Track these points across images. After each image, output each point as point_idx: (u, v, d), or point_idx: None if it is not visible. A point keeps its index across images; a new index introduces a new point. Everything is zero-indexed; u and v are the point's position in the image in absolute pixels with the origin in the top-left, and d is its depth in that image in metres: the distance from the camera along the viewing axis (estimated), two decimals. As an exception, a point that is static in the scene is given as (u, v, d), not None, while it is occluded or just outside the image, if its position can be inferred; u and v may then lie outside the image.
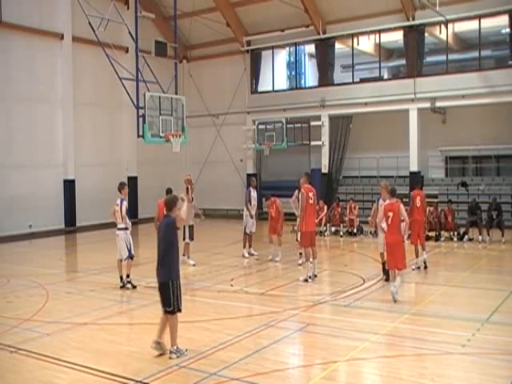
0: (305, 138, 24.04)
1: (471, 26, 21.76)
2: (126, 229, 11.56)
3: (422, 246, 13.32)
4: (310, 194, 12.02)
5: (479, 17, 20.82)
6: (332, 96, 23.99)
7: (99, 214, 23.15)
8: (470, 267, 13.57)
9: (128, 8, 24.19)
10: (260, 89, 26.89)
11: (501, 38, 23.21)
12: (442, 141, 22.93)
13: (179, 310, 7.48)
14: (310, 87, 26.33)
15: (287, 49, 27.50)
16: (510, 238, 17.26)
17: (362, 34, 23.71)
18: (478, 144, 22.11)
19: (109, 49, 18.42)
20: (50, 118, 22.47)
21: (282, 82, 27.47)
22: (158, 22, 24.98)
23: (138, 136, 16.74)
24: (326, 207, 19.56)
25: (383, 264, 11.71)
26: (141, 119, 16.44)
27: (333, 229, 19.85)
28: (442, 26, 21.94)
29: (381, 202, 11.48)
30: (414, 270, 13.06)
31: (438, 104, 21.80)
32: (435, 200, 20.20)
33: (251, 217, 15.20)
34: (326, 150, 24.48)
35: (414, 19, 22.00)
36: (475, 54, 21.65)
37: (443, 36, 22.32)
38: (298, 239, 12.87)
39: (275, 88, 26.43)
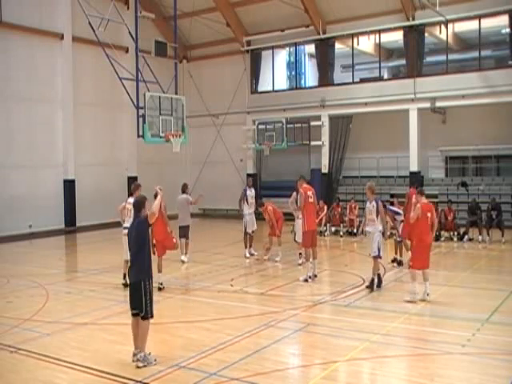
0: (305, 138, 24.04)
1: (471, 26, 21.77)
2: None
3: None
4: (309, 193, 12.04)
5: (479, 17, 20.82)
6: (332, 96, 23.99)
7: (99, 214, 23.25)
8: (470, 267, 13.58)
9: (128, 8, 24.19)
10: (260, 89, 26.89)
11: (501, 38, 23.21)
12: (441, 141, 22.93)
13: (151, 316, 7.22)
14: (310, 87, 26.33)
15: (287, 49, 27.50)
16: (510, 237, 17.25)
17: (362, 33, 23.71)
18: (478, 144, 22.11)
19: (109, 49, 18.42)
20: (50, 118, 22.47)
21: (281, 82, 27.47)
22: (158, 22, 24.97)
23: (138, 136, 16.75)
24: (325, 207, 19.56)
25: (378, 275, 11.22)
26: (141, 119, 16.44)
27: (333, 229, 19.85)
28: (442, 26, 21.95)
29: (368, 204, 11.29)
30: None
31: (438, 104, 21.80)
32: (435, 200, 20.18)
33: (241, 210, 15.24)
34: (326, 150, 24.48)
35: (413, 19, 22.00)
36: (475, 54, 21.65)
37: (443, 36, 22.32)
38: (296, 239, 12.87)
39: (275, 88, 26.43)
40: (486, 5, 20.33)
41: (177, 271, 13.38)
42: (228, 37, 26.51)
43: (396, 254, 13.74)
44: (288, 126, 23.77)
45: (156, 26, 26.02)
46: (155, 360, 7.15)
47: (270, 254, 14.67)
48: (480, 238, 17.33)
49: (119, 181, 25.02)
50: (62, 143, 22.75)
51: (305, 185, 12.24)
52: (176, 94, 18.08)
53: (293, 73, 27.67)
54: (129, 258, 7.69)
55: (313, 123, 24.23)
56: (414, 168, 22.36)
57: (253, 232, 15.37)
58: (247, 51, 26.70)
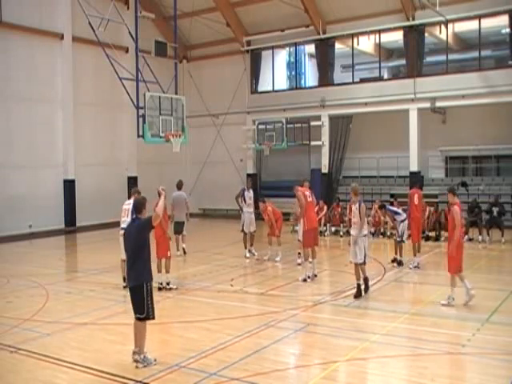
0: (305, 138, 24.03)
1: (471, 26, 21.76)
2: None
3: (418, 245, 13.36)
4: (307, 193, 12.11)
5: (479, 17, 20.81)
6: (332, 96, 23.99)
7: (99, 214, 23.25)
8: (470, 267, 13.54)
9: (128, 8, 24.18)
10: (260, 89, 26.89)
11: (501, 38, 23.20)
12: (442, 141, 22.92)
13: (153, 317, 7.17)
14: (310, 87, 26.32)
15: (287, 49, 27.49)
16: (510, 237, 17.25)
17: (362, 33, 23.70)
18: (478, 144, 22.10)
19: (109, 49, 18.42)
20: (50, 118, 22.46)
21: (281, 82, 27.46)
22: (158, 22, 24.97)
23: (138, 136, 16.75)
24: (325, 207, 19.56)
25: (365, 279, 10.69)
26: (141, 119, 16.44)
27: (333, 229, 19.86)
28: (442, 26, 21.94)
29: (353, 206, 10.76)
30: (411, 268, 13.08)
31: (438, 104, 21.79)
32: (435, 200, 20.19)
33: (241, 209, 15.27)
34: (326, 150, 24.47)
35: (414, 19, 22.00)
36: (475, 54, 21.64)
37: (443, 36, 22.31)
38: (300, 239, 12.84)
39: (275, 88, 26.43)
40: (485, 5, 20.33)
41: (177, 271, 13.36)
42: (228, 37, 26.51)
43: (396, 254, 13.73)
44: (288, 125, 23.76)
45: (156, 26, 26.02)
46: (155, 360, 7.14)
47: (270, 254, 14.67)
48: (480, 238, 17.33)
49: (119, 181, 25.02)
50: (62, 143, 22.75)
51: (301, 187, 12.35)
52: (176, 93, 18.08)
53: (293, 73, 27.66)
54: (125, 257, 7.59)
55: (313, 123, 24.22)
56: (413, 168, 22.36)
57: (254, 232, 15.37)
58: (247, 51, 26.70)
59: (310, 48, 26.39)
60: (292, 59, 27.58)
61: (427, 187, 21.62)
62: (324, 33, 24.15)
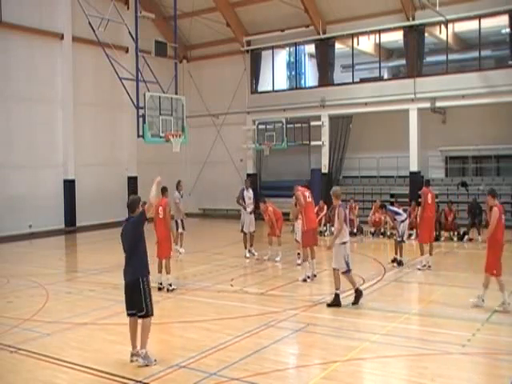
0: (305, 138, 24.02)
1: (471, 26, 21.75)
2: None
3: (430, 244, 13.31)
4: (307, 193, 12.13)
5: (479, 17, 20.80)
6: (332, 96, 23.98)
7: (99, 214, 23.27)
8: (470, 267, 13.56)
9: (128, 8, 24.18)
10: (260, 89, 26.88)
11: (501, 38, 23.19)
12: (442, 141, 22.92)
13: (152, 314, 7.17)
14: (310, 87, 26.32)
15: (287, 49, 27.48)
16: (510, 237, 17.23)
17: (362, 33, 23.69)
18: (478, 144, 22.10)
19: (109, 49, 18.42)
20: (50, 118, 22.46)
21: (281, 82, 27.46)
22: (158, 22, 24.97)
23: (138, 136, 16.75)
24: (325, 207, 19.56)
25: (356, 291, 9.96)
26: (141, 119, 16.44)
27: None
28: (442, 26, 21.93)
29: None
30: (419, 269, 13.03)
31: (438, 104, 21.79)
32: (435, 200, 20.16)
33: (245, 208, 15.27)
34: (326, 150, 24.46)
35: (414, 19, 21.99)
36: (475, 54, 21.63)
37: (443, 36, 22.30)
38: (298, 239, 12.86)
39: (275, 88, 26.42)
40: (485, 5, 20.32)
41: (177, 271, 13.36)
42: (228, 37, 26.50)
43: (396, 254, 13.73)
44: (288, 126, 23.75)
45: (156, 26, 26.02)
46: (155, 360, 7.14)
47: (270, 253, 14.67)
48: (480, 238, 17.32)
49: (119, 181, 25.03)
50: (62, 143, 22.74)
51: (300, 187, 12.36)
52: (176, 93, 18.08)
53: (293, 73, 27.66)
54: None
55: (313, 123, 24.22)
56: (414, 168, 22.36)
57: (253, 232, 15.37)
58: (247, 51, 26.69)
59: (310, 48, 26.38)
60: (292, 59, 27.58)
61: (427, 187, 21.59)
62: (324, 33, 24.15)
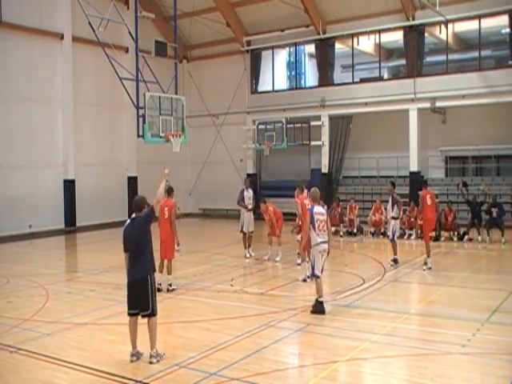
0: (305, 138, 24.02)
1: (471, 25, 21.74)
2: None
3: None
4: (306, 201, 12.06)
5: (479, 17, 20.80)
6: (332, 96, 23.98)
7: (99, 214, 23.27)
8: (470, 267, 13.57)
9: (128, 8, 24.17)
10: (260, 89, 26.88)
11: (501, 38, 23.20)
12: (442, 141, 22.91)
13: (156, 313, 7.20)
14: (310, 87, 26.32)
15: (287, 49, 27.48)
16: (510, 237, 17.24)
17: (362, 33, 23.69)
18: (478, 144, 22.09)
19: (109, 49, 18.43)
20: (50, 118, 22.45)
21: (281, 82, 27.45)
22: (158, 22, 24.96)
23: (138, 136, 16.76)
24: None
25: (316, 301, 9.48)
26: (141, 119, 16.45)
27: (332, 229, 19.81)
28: (442, 26, 21.92)
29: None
30: (425, 270, 13.00)
31: (438, 104, 21.79)
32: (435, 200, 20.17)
33: (245, 208, 15.22)
34: (326, 150, 24.46)
35: (414, 19, 21.98)
36: (475, 54, 21.63)
37: (443, 36, 22.30)
38: (298, 239, 12.86)
39: (275, 88, 26.42)
40: (485, 5, 20.32)
41: (177, 271, 13.36)
42: (228, 37, 26.50)
43: (395, 254, 13.74)
44: (288, 126, 23.76)
45: (156, 26, 26.01)
46: (164, 353, 7.28)
47: (270, 253, 14.67)
48: (480, 238, 17.33)
49: (119, 181, 25.03)
50: (62, 143, 22.73)
51: (301, 195, 12.34)
52: (176, 93, 18.08)
53: (293, 73, 27.66)
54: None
55: (313, 123, 24.22)
56: (413, 168, 22.36)
57: (251, 232, 15.36)
58: (247, 51, 26.69)
59: (310, 48, 26.38)
60: (292, 59, 27.58)
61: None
62: (324, 33, 24.14)
